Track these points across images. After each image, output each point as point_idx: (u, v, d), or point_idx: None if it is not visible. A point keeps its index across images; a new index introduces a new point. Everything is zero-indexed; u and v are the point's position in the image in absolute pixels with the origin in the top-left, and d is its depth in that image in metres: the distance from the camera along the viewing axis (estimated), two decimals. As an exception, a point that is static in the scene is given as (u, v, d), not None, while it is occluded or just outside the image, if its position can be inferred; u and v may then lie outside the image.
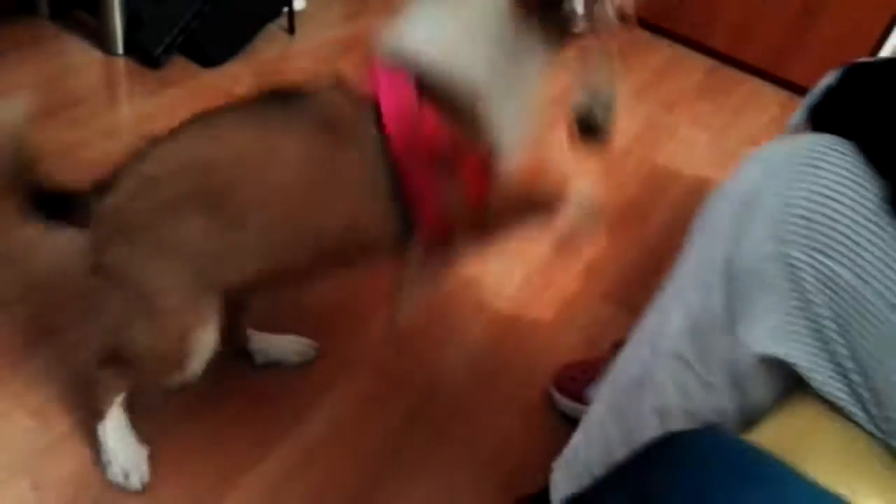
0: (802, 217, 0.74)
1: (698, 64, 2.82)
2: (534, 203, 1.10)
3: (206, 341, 1.02)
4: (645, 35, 2.89)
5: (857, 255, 0.71)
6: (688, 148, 2.34)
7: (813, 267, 0.73)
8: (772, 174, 0.77)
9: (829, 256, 0.72)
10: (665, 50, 2.86)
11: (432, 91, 0.95)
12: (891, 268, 0.70)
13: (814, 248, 0.73)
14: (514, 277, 1.74)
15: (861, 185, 0.72)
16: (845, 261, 0.71)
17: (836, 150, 0.75)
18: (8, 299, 1.35)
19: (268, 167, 0.95)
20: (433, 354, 1.53)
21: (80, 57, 2.08)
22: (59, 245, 0.99)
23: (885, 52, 2.48)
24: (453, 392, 1.46)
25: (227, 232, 0.95)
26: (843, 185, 0.73)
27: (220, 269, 0.98)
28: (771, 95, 2.73)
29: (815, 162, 0.75)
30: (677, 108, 2.54)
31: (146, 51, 2.03)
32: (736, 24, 2.73)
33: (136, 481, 1.13)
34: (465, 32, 0.96)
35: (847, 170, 0.73)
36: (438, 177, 0.98)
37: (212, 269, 0.98)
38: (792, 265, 0.74)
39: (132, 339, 1.02)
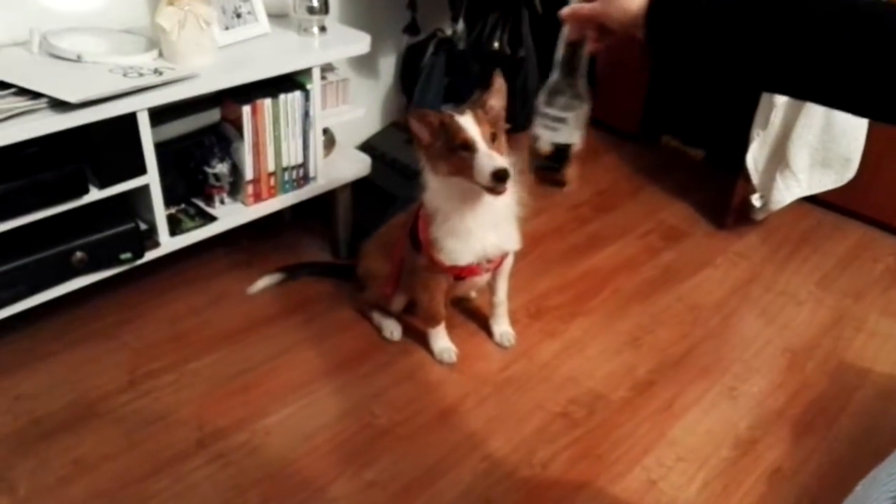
0: None
1: (891, 247, 2.77)
2: (421, 302, 2.08)
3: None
4: (831, 217, 2.90)
5: None
6: (879, 342, 2.30)
7: None
8: None
9: None
10: (853, 232, 2.84)
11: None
12: None
13: None
14: (694, 482, 1.79)
15: None
16: None
17: None
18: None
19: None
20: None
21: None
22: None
23: None
24: None
25: None
26: None
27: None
28: (971, 280, 2.63)
29: None
30: (867, 297, 2.50)
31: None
32: (930, 205, 2.69)
33: (397, 336, 2.17)
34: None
35: None
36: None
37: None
38: None
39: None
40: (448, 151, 1.76)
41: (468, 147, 1.73)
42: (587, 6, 0.98)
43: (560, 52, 1.04)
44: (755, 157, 2.59)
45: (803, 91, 0.88)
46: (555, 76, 1.06)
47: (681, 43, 0.92)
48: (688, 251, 2.67)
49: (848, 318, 2.39)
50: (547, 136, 1.08)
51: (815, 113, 2.43)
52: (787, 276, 2.57)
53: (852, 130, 2.45)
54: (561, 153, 1.10)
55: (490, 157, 1.71)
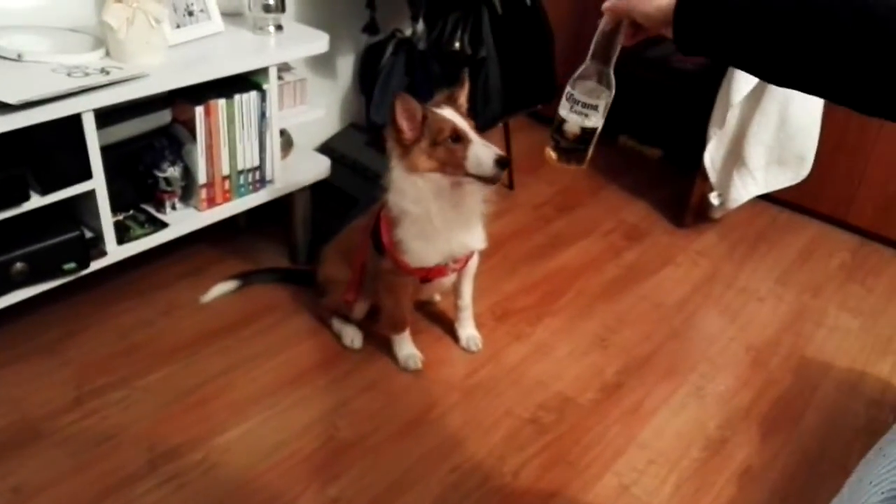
0: None
1: (844, 242, 2.81)
2: (386, 308, 2.01)
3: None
4: (785, 214, 2.93)
5: None
6: (839, 336, 2.32)
7: None
8: None
9: None
10: (808, 229, 2.87)
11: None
12: None
13: None
14: (666, 486, 1.77)
15: None
16: None
17: None
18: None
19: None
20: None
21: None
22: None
23: None
24: None
25: None
26: None
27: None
28: (924, 273, 2.68)
29: None
30: (824, 292, 2.53)
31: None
32: (880, 200, 2.72)
33: (357, 344, 2.08)
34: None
35: None
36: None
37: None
38: None
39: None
40: (432, 145, 1.71)
41: (459, 139, 1.70)
42: (623, 1, 1.03)
43: (595, 41, 1.09)
44: (712, 155, 2.60)
45: (833, 90, 0.89)
46: (587, 63, 1.10)
47: (707, 39, 0.96)
48: (649, 250, 2.66)
49: (807, 314, 2.41)
50: (577, 120, 1.13)
51: (770, 111, 2.44)
52: (746, 273, 2.59)
53: (807, 128, 2.47)
54: (587, 136, 1.15)
55: (488, 146, 1.69)
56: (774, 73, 0.93)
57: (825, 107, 2.46)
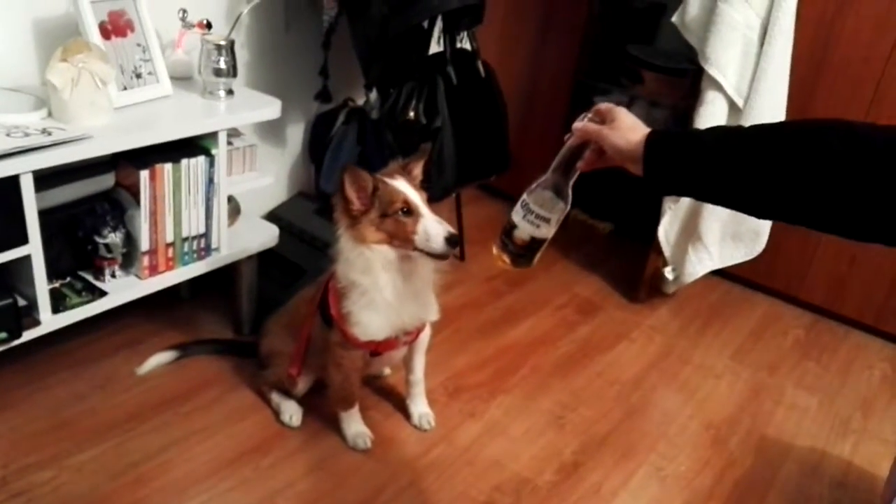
0: None
1: (797, 319, 2.82)
2: (334, 383, 1.90)
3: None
4: (738, 290, 2.94)
5: None
6: (797, 415, 2.29)
7: None
8: None
9: None
10: (760, 305, 2.87)
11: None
12: None
13: None
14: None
15: None
16: None
17: None
18: None
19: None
20: None
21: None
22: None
23: None
24: None
25: None
26: None
27: None
28: (877, 351, 2.68)
29: None
30: (781, 370, 2.51)
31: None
32: (831, 278, 2.74)
33: (296, 421, 1.98)
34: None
35: None
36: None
37: None
38: None
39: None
40: (381, 217, 1.66)
41: (410, 212, 1.65)
42: (596, 127, 1.06)
43: (560, 154, 1.11)
44: (667, 230, 2.60)
45: (821, 219, 0.89)
46: (547, 174, 1.12)
47: (680, 177, 0.98)
48: (603, 325, 2.62)
49: (765, 392, 2.39)
50: (528, 229, 1.12)
51: (724, 187, 2.46)
52: (702, 349, 2.56)
53: (760, 205, 2.49)
54: (535, 245, 1.15)
55: (440, 222, 1.65)
56: (757, 205, 0.93)
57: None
